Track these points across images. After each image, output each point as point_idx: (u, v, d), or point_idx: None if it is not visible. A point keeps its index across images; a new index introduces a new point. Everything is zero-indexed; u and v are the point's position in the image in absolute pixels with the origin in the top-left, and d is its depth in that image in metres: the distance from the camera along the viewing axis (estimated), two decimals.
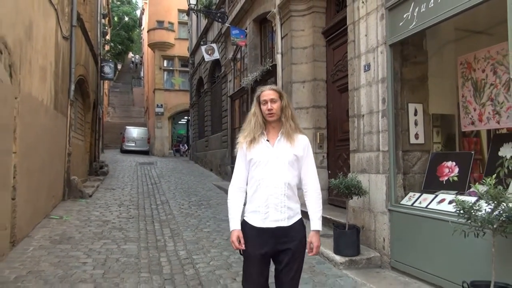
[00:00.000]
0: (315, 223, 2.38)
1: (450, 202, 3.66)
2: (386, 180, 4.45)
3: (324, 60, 7.12)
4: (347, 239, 4.46)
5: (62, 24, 7.58)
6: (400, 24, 4.28)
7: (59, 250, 5.01)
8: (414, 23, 4.07)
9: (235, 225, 2.37)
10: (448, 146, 4.86)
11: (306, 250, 2.36)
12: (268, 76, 8.74)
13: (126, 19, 41.68)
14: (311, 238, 2.37)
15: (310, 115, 7.13)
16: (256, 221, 2.35)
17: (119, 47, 34.60)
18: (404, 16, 4.21)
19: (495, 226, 2.66)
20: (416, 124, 4.61)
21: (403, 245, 4.19)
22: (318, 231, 2.38)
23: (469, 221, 2.70)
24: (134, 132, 24.87)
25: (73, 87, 8.52)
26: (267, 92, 2.42)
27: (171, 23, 25.75)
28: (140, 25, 39.73)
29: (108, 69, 18.18)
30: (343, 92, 6.37)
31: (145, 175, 13.87)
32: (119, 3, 41.87)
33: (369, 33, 4.81)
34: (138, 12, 42.77)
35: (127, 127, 25.65)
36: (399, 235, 4.24)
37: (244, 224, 2.39)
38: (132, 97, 42.46)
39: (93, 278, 4.13)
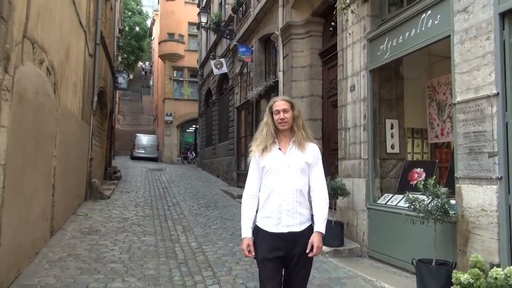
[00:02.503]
0: (319, 225, 2.44)
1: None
2: (366, 183, 5.31)
3: (320, 78, 8.03)
4: (333, 232, 5.28)
5: (88, 43, 8.56)
6: (378, 53, 5.17)
7: (89, 240, 5.91)
8: (388, 54, 4.97)
9: (246, 233, 2.46)
10: (422, 155, 5.72)
11: (307, 250, 2.42)
12: (271, 91, 9.64)
13: (137, 29, 43.03)
14: (313, 238, 2.41)
15: (308, 127, 8.00)
16: (269, 227, 2.44)
17: (131, 58, 35.74)
18: (381, 47, 5.10)
19: (435, 216, 3.52)
20: (392, 136, 5.48)
21: (378, 237, 5.03)
22: (321, 233, 2.44)
23: (415, 211, 3.57)
24: (144, 139, 25.82)
25: (96, 98, 9.49)
26: (280, 103, 2.53)
27: (181, 35, 26.84)
28: (151, 35, 40.99)
29: (121, 80, 19.26)
30: (335, 107, 7.23)
31: (156, 180, 14.76)
32: (130, 13, 43.26)
33: (354, 59, 5.70)
34: (148, 22, 44.10)
35: (137, 134, 26.61)
36: (375, 229, 5.09)
37: (257, 229, 2.49)
38: (141, 105, 43.56)
39: (121, 260, 5.02)
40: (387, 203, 4.99)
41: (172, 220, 7.74)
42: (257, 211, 2.56)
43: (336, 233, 5.31)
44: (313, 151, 2.53)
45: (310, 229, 2.46)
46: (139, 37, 43.73)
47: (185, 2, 26.58)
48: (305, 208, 2.47)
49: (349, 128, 5.78)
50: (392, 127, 5.48)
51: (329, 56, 7.61)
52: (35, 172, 4.71)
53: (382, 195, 5.28)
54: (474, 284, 3.12)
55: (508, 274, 3.04)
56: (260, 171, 2.51)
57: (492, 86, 3.40)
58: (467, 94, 3.66)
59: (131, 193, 11.17)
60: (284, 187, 2.42)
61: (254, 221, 2.54)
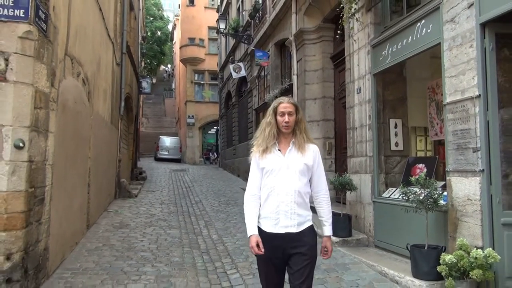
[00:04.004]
0: (327, 229, 2.55)
1: None
2: (372, 178, 5.74)
3: (332, 81, 8.47)
4: (341, 224, 5.75)
5: (116, 53, 9.25)
6: (380, 58, 5.60)
7: (121, 232, 6.55)
8: (389, 59, 5.40)
9: (252, 230, 2.45)
10: (426, 152, 6.11)
11: (321, 254, 2.52)
12: (286, 94, 10.09)
13: (159, 33, 44.16)
14: (325, 243, 2.54)
15: (321, 127, 8.48)
16: (267, 227, 2.45)
17: (154, 63, 36.80)
18: (383, 53, 5.53)
19: (425, 205, 3.96)
20: (396, 135, 5.89)
21: (383, 228, 5.46)
22: (330, 236, 2.56)
23: (408, 201, 4.01)
24: (167, 141, 26.63)
25: (123, 104, 10.20)
26: (286, 105, 2.51)
27: (201, 40, 27.59)
28: (172, 39, 42.03)
29: (145, 84, 20.05)
30: (346, 108, 7.68)
31: (179, 180, 15.43)
32: (152, 18, 44.46)
33: (360, 63, 6.14)
34: (169, 27, 45.18)
35: (160, 136, 27.47)
36: (380, 220, 5.52)
37: (257, 229, 2.50)
38: (164, 108, 44.66)
39: (150, 249, 5.62)
40: (390, 196, 5.41)
41: (195, 216, 8.33)
42: None
43: (344, 224, 5.76)
44: (313, 152, 2.53)
45: (310, 230, 2.48)
46: (161, 42, 44.88)
47: (205, 7, 27.35)
48: (304, 209, 2.47)
49: (356, 128, 6.21)
50: (396, 126, 5.89)
51: (339, 60, 8.04)
52: (74, 171, 5.35)
53: (387, 189, 5.70)
54: (458, 264, 3.55)
55: (488, 255, 3.46)
56: (260, 171, 2.53)
57: (475, 89, 3.82)
58: (455, 95, 4.08)
59: (156, 192, 11.84)
60: (283, 188, 2.43)
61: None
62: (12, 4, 3.45)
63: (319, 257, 2.56)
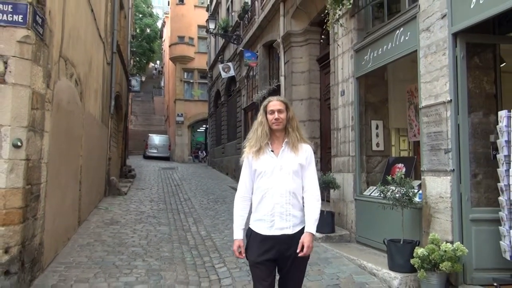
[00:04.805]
0: (310, 226, 2.43)
1: None
2: (353, 177, 6.02)
3: (318, 83, 8.74)
4: (324, 220, 5.98)
5: (106, 52, 9.38)
6: (363, 63, 5.87)
7: (112, 229, 6.73)
8: (370, 63, 5.67)
9: (237, 235, 2.50)
10: (408, 152, 6.41)
11: (297, 250, 2.39)
12: (274, 94, 10.33)
13: (148, 31, 44.04)
14: (304, 238, 2.39)
15: (307, 127, 8.74)
16: (262, 229, 2.44)
17: (144, 61, 36.73)
18: (365, 57, 5.80)
19: (401, 202, 4.24)
20: (377, 135, 6.17)
21: (363, 224, 5.74)
22: (312, 233, 2.43)
23: (385, 199, 4.29)
24: (156, 139, 26.74)
25: (113, 103, 10.33)
26: (275, 103, 2.51)
27: (191, 38, 27.69)
28: (161, 36, 41.97)
29: (135, 82, 20.18)
30: (331, 109, 7.95)
31: (168, 178, 15.58)
32: (141, 15, 44.31)
33: (344, 67, 6.40)
34: (159, 24, 45.06)
35: (150, 134, 27.55)
36: (361, 217, 5.80)
37: (250, 232, 2.49)
38: (153, 105, 44.59)
39: (141, 245, 5.82)
40: (371, 195, 5.69)
41: (184, 213, 8.53)
42: (250, 213, 2.57)
43: (328, 221, 6.02)
44: (306, 152, 2.52)
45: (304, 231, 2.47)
46: (150, 39, 44.67)
47: (195, 6, 27.48)
48: (299, 210, 2.47)
49: (340, 129, 6.48)
50: (377, 128, 6.17)
51: (325, 62, 8.29)
52: (67, 169, 5.52)
53: (368, 187, 5.98)
54: (429, 257, 3.83)
55: (456, 248, 3.75)
56: (252, 173, 2.51)
57: (447, 94, 4.10)
58: (429, 100, 4.36)
59: (145, 190, 12.00)
60: (277, 189, 2.42)
61: (247, 223, 2.56)
62: (11, 10, 3.62)
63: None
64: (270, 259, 2.42)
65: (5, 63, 3.63)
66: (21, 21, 3.66)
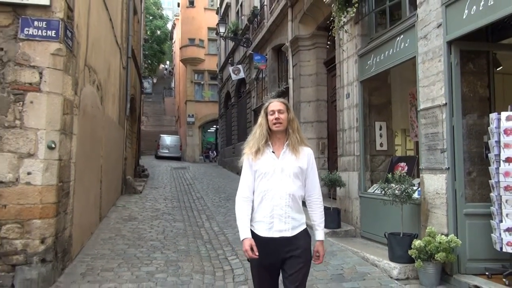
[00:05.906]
0: (320, 234, 2.51)
1: None
2: (358, 176, 6.35)
3: (325, 85, 9.09)
4: (331, 217, 6.34)
5: (122, 57, 9.83)
6: (366, 67, 6.21)
7: (130, 225, 7.16)
8: (373, 68, 6.00)
9: (245, 234, 2.40)
10: (414, 151, 6.73)
11: (312, 259, 2.47)
12: (282, 96, 10.67)
13: (158, 32, 44.67)
14: (317, 247, 2.49)
15: (314, 128, 9.10)
16: (261, 231, 2.42)
17: (155, 62, 37.32)
18: (368, 62, 6.14)
19: (400, 199, 4.58)
20: (381, 136, 6.50)
21: (367, 220, 6.07)
22: (322, 241, 2.51)
23: (385, 195, 4.63)
24: (168, 139, 27.22)
25: (128, 105, 10.78)
26: (275, 104, 2.51)
27: (201, 40, 28.18)
28: (171, 38, 42.55)
29: (147, 84, 20.71)
30: (337, 111, 8.29)
31: (180, 178, 16.02)
32: (151, 17, 44.97)
33: (349, 71, 6.74)
34: (169, 26, 45.66)
35: (161, 135, 28.04)
36: (365, 213, 6.13)
37: (250, 233, 2.45)
38: (163, 106, 45.17)
39: (158, 239, 6.23)
40: (374, 192, 6.02)
41: (197, 211, 8.93)
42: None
43: (334, 217, 6.37)
44: (307, 155, 2.50)
45: (304, 233, 2.46)
46: (161, 40, 45.26)
47: (205, 9, 27.97)
48: (298, 212, 2.45)
49: (345, 130, 6.82)
50: (380, 128, 6.50)
51: (332, 66, 8.64)
52: (90, 169, 5.95)
53: (372, 185, 6.31)
54: (426, 248, 4.16)
55: (450, 240, 4.08)
56: (253, 174, 2.48)
57: (443, 98, 4.42)
58: (427, 103, 4.68)
59: (159, 189, 12.44)
60: (277, 191, 2.40)
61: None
62: (45, 26, 4.04)
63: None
64: (271, 261, 2.42)
65: (41, 73, 4.05)
66: (54, 35, 4.07)
